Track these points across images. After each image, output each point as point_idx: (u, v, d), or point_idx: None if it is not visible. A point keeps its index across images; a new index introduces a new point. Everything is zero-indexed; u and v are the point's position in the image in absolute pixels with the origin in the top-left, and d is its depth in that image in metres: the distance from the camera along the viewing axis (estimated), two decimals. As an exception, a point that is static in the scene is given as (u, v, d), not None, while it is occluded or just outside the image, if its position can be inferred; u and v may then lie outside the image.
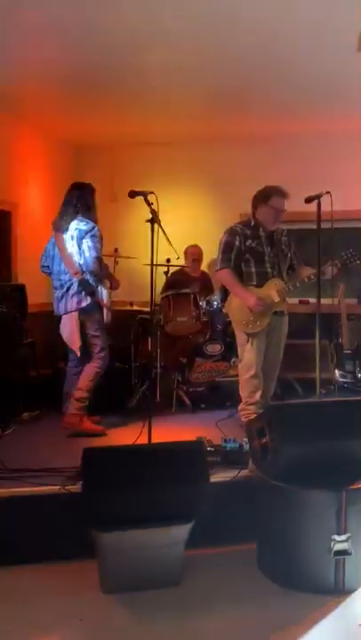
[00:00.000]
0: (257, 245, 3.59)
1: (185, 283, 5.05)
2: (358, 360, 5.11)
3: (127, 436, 3.71)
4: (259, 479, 2.61)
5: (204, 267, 5.55)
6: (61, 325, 3.77)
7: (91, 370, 3.82)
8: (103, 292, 3.80)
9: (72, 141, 5.96)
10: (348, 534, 2.38)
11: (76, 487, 2.60)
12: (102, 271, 3.81)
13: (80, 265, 3.71)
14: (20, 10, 3.07)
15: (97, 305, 3.78)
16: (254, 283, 3.59)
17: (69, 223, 3.73)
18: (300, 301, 5.26)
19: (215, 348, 4.60)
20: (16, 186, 5.10)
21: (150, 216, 3.07)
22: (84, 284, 3.68)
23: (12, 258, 4.96)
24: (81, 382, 3.80)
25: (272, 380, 3.76)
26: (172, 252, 4.28)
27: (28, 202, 5.25)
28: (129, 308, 4.83)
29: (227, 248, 3.60)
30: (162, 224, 3.13)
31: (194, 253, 5.31)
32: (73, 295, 3.72)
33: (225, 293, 3.83)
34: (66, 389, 4.00)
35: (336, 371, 4.91)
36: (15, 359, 4.33)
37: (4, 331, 4.10)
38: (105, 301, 3.80)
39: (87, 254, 3.67)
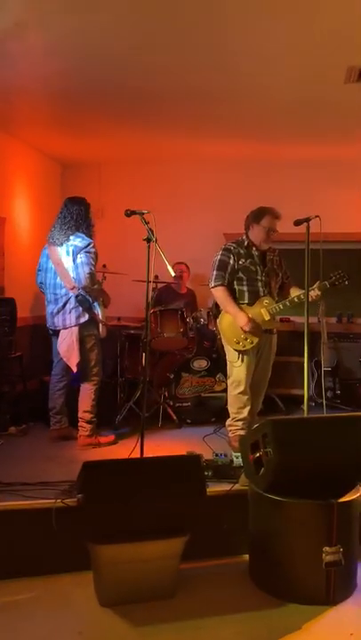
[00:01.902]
0: (250, 264, 3.67)
1: (171, 299, 5.14)
2: (337, 377, 5.28)
3: (116, 450, 3.77)
4: (252, 492, 2.68)
5: (188, 284, 5.65)
6: (59, 340, 3.78)
7: (89, 390, 3.87)
8: (98, 307, 3.84)
9: (60, 157, 6.02)
10: (339, 546, 2.46)
11: (72, 500, 2.62)
12: (95, 287, 3.84)
13: (74, 279, 3.75)
14: (20, 33, 3.15)
15: (94, 320, 3.82)
16: (246, 301, 3.66)
17: (69, 237, 3.76)
18: (282, 319, 5.40)
19: (201, 364, 4.67)
20: (4, 200, 5.12)
21: (147, 235, 3.14)
22: (81, 301, 3.71)
23: (0, 272, 4.96)
24: (85, 405, 3.85)
25: (259, 397, 3.84)
26: (161, 269, 4.37)
27: (15, 216, 5.28)
28: (116, 323, 4.87)
29: (221, 266, 3.66)
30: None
31: (180, 271, 5.41)
32: (71, 310, 3.75)
33: (217, 309, 3.89)
34: (51, 405, 4.01)
35: (316, 388, 5.04)
36: (3, 373, 4.33)
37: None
38: (100, 316, 3.84)
39: (80, 269, 3.71)
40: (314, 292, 3.45)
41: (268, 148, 5.45)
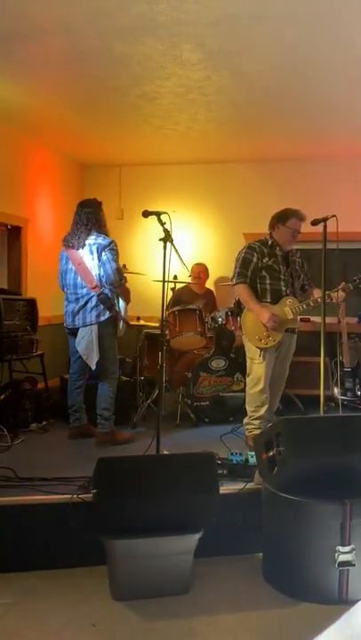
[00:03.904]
0: (273, 263, 3.70)
1: (190, 299, 5.17)
2: (358, 378, 5.22)
3: (134, 447, 3.81)
4: (265, 491, 2.69)
5: (208, 284, 5.68)
6: (78, 338, 3.82)
7: (107, 388, 3.92)
8: (121, 305, 3.90)
9: (81, 159, 6.11)
10: (352, 546, 2.45)
11: (88, 495, 2.67)
12: (122, 281, 3.91)
13: (100, 276, 3.81)
14: (43, 38, 3.24)
15: (114, 318, 3.87)
16: (269, 299, 3.69)
17: (85, 240, 3.83)
18: (302, 319, 5.37)
19: (219, 364, 4.69)
20: (27, 202, 5.23)
21: (163, 235, 3.17)
22: (103, 300, 3.77)
23: (23, 272, 5.07)
24: (103, 402, 3.90)
25: (277, 396, 3.85)
26: (180, 269, 4.41)
27: (38, 218, 5.38)
28: (136, 322, 4.92)
29: (244, 263, 3.70)
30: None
31: (199, 271, 5.44)
32: (92, 309, 3.80)
33: (239, 307, 3.92)
34: (70, 403, 4.08)
35: (336, 388, 5.01)
36: (25, 371, 4.43)
37: (16, 343, 4.19)
38: (122, 314, 3.89)
39: (107, 266, 3.78)
40: (338, 294, 3.49)
41: (286, 147, 5.44)
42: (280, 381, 3.83)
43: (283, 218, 3.73)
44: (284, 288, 3.70)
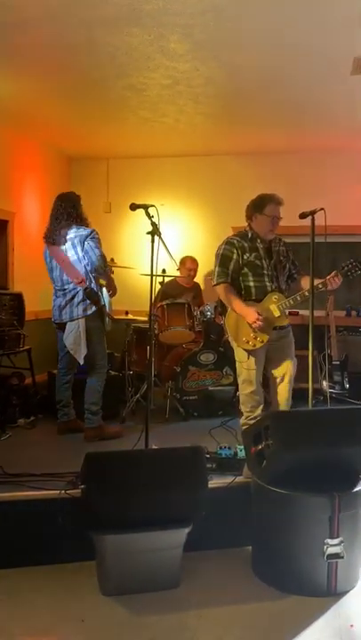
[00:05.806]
0: (255, 258, 3.42)
1: (177, 293, 5.15)
2: (346, 371, 5.25)
3: (123, 442, 3.79)
4: (254, 484, 2.68)
5: (196, 278, 5.65)
6: (66, 332, 3.80)
7: (95, 383, 3.90)
8: (105, 299, 3.87)
9: (68, 152, 6.06)
10: (341, 538, 2.46)
11: (76, 491, 2.65)
12: (107, 268, 3.87)
13: (85, 266, 3.78)
14: (27, 28, 3.18)
15: (101, 312, 3.85)
16: (253, 297, 3.42)
17: (66, 234, 3.81)
18: (290, 313, 5.35)
19: (208, 358, 4.68)
20: (13, 195, 5.16)
21: (151, 228, 3.15)
22: (89, 294, 3.74)
23: (9, 266, 5.02)
24: (91, 397, 3.88)
25: (282, 394, 3.54)
26: (168, 263, 4.39)
27: (24, 211, 5.32)
28: (124, 316, 4.89)
29: (223, 261, 3.41)
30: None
31: (191, 267, 5.40)
32: (79, 303, 3.78)
33: (223, 307, 3.69)
34: (58, 398, 4.06)
35: (324, 381, 5.03)
36: (12, 366, 4.38)
37: (2, 338, 4.15)
38: (107, 309, 3.87)
39: (91, 253, 3.75)
40: (334, 281, 3.29)
41: (275, 140, 5.42)
42: (280, 378, 3.51)
43: (259, 205, 3.44)
44: (268, 284, 3.43)
